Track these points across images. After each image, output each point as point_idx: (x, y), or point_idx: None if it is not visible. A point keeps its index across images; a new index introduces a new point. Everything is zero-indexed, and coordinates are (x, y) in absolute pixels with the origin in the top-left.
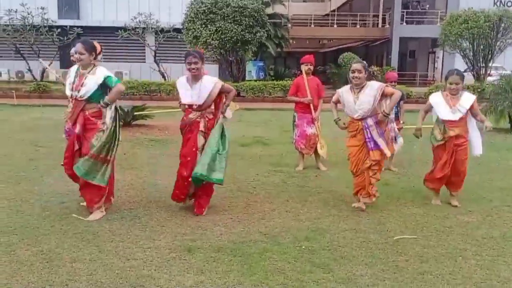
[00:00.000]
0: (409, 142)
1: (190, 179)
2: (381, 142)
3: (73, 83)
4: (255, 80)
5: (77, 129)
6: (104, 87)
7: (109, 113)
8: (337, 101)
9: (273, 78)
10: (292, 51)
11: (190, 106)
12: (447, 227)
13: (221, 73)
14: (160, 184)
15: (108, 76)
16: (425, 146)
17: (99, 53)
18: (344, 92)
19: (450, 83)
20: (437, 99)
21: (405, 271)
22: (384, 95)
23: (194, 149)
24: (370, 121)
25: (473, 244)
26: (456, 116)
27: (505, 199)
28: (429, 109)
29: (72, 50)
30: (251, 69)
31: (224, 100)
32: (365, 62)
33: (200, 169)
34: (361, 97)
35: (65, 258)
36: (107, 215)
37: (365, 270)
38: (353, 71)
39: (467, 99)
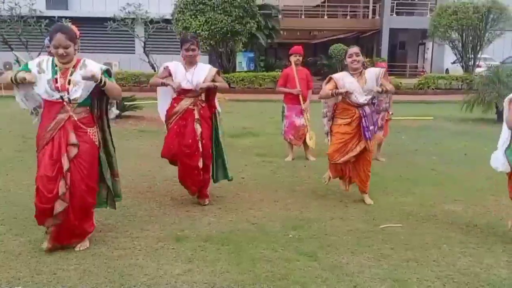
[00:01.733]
0: (397, 133)
1: (200, 170)
2: (372, 131)
3: (53, 82)
4: (246, 72)
5: (72, 138)
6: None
7: (113, 113)
8: (334, 88)
9: (264, 69)
10: (283, 42)
11: (184, 92)
12: (432, 215)
13: (211, 64)
14: (149, 174)
15: (106, 71)
16: (412, 136)
17: (79, 38)
18: (344, 77)
19: None
20: None
21: (390, 259)
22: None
23: (197, 138)
24: (368, 109)
25: (458, 232)
26: None
27: (490, 188)
28: None
29: (47, 42)
30: (242, 60)
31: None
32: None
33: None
34: (367, 80)
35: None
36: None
37: (351, 258)
38: (351, 55)
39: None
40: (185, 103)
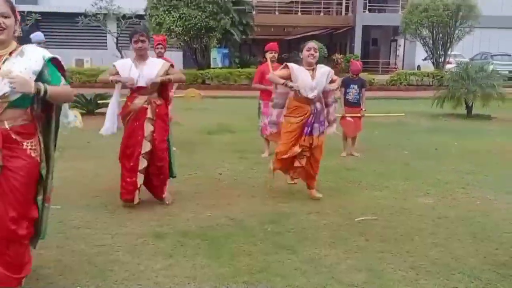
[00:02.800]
0: (370, 129)
1: (137, 172)
2: (316, 128)
3: None
4: (220, 68)
5: None
6: (40, 78)
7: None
8: (286, 76)
9: (239, 65)
10: (257, 39)
11: (137, 89)
12: (405, 208)
13: (185, 61)
14: None
15: (50, 59)
16: (385, 131)
17: (18, 21)
18: (298, 68)
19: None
20: None
21: (366, 251)
22: (332, 80)
23: (139, 138)
24: (318, 106)
25: (429, 224)
26: None
27: (460, 182)
28: None
29: (38, 37)
30: (216, 57)
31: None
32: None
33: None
34: (318, 75)
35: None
36: (74, 203)
37: (328, 250)
38: (310, 49)
39: None
40: (139, 101)
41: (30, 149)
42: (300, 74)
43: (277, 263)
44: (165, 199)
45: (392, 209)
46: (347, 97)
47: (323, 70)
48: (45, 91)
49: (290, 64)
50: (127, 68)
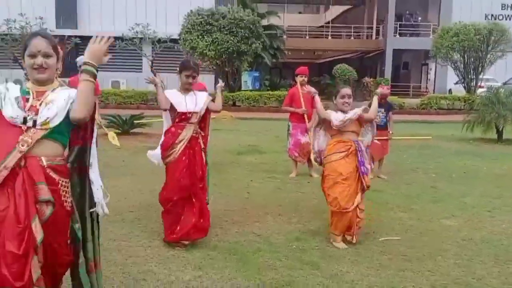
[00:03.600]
0: (399, 152)
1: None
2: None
3: (22, 100)
4: (251, 90)
5: (43, 192)
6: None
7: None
8: (323, 121)
9: (269, 88)
10: (287, 62)
11: (186, 118)
12: (430, 230)
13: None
14: (157, 189)
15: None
16: (413, 154)
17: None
18: (334, 113)
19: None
20: None
21: (388, 269)
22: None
23: (204, 167)
24: (361, 144)
25: (453, 246)
26: None
27: (486, 205)
28: None
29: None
30: (247, 79)
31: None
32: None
33: None
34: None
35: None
36: (111, 217)
37: (351, 267)
38: (343, 96)
39: None
40: (188, 131)
41: (63, 190)
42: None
43: (301, 278)
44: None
45: (416, 230)
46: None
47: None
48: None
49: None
50: (175, 96)
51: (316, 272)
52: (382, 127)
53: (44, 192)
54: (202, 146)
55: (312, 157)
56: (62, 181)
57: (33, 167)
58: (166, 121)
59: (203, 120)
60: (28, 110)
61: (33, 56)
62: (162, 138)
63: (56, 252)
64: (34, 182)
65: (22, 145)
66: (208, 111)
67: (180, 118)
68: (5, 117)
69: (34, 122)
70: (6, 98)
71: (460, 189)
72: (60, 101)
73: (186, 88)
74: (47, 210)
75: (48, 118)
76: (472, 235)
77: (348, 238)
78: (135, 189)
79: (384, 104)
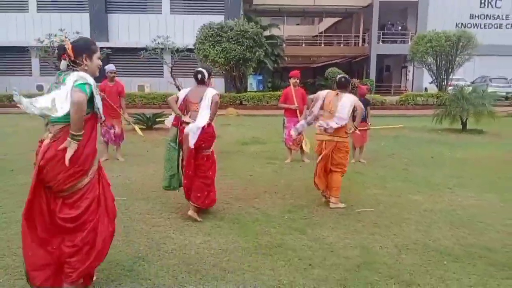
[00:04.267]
0: (378, 140)
1: None
2: None
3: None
4: (255, 92)
5: None
6: None
7: None
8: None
9: (271, 89)
10: (287, 67)
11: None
12: (398, 203)
13: (226, 86)
14: None
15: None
16: (390, 142)
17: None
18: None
19: None
20: None
21: (361, 233)
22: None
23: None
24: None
25: (416, 215)
26: None
27: (448, 183)
28: None
29: (110, 67)
30: (252, 82)
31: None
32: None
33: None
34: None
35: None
36: (136, 196)
37: (331, 232)
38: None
39: None
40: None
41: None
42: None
43: (290, 241)
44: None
45: (387, 203)
46: (354, 114)
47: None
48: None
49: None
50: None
51: (303, 236)
52: (362, 120)
53: None
54: None
55: (303, 145)
56: None
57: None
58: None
59: None
60: None
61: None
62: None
63: None
64: None
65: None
66: None
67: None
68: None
69: None
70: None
71: (427, 171)
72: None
73: None
74: None
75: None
76: (433, 207)
77: None
78: (157, 174)
79: (362, 100)
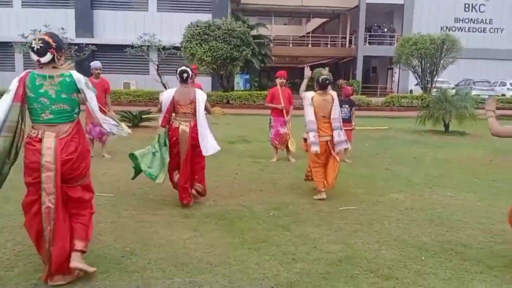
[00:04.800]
0: (362, 141)
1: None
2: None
3: None
4: (242, 90)
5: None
6: None
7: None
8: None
9: (258, 88)
10: (275, 66)
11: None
12: (380, 201)
13: (213, 84)
14: None
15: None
16: (374, 143)
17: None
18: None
19: None
20: None
21: (344, 230)
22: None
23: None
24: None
25: (397, 213)
26: None
27: (428, 183)
28: None
29: (96, 64)
30: (239, 81)
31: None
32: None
33: None
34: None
35: (93, 221)
36: (124, 192)
37: (315, 229)
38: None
39: None
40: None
41: None
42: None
43: (275, 237)
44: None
45: (369, 202)
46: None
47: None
48: None
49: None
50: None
51: (287, 232)
52: (347, 120)
53: None
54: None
55: (289, 144)
56: None
57: None
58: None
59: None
60: None
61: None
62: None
63: None
64: None
65: None
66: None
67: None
68: None
69: None
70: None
71: (408, 170)
72: None
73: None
74: None
75: None
76: (413, 205)
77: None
78: None
79: (347, 101)
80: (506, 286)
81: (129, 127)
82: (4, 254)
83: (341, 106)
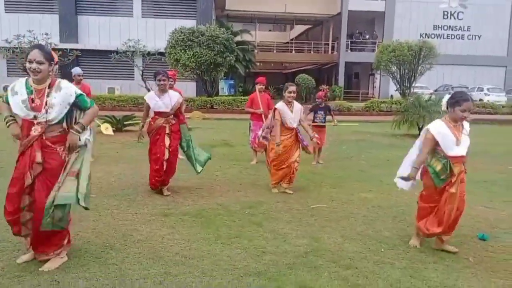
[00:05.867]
0: (339, 144)
1: (162, 172)
2: (307, 141)
3: (29, 101)
4: (226, 96)
5: (38, 157)
6: (73, 106)
7: (84, 136)
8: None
9: (242, 94)
10: (260, 72)
11: (159, 113)
12: (350, 200)
13: (198, 90)
14: (144, 173)
15: (80, 95)
16: (350, 146)
17: (56, 64)
18: (282, 107)
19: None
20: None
21: (313, 226)
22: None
23: (163, 148)
24: (299, 128)
25: (364, 210)
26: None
27: None
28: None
29: (77, 70)
30: (224, 86)
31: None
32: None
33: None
34: (294, 111)
35: (75, 219)
36: (105, 193)
37: (286, 225)
38: (291, 92)
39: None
40: (159, 122)
41: (62, 151)
42: (285, 112)
43: (248, 232)
44: (166, 190)
45: (340, 200)
46: (315, 120)
47: (298, 107)
48: (83, 128)
49: (278, 107)
50: (153, 98)
51: (260, 228)
52: (321, 126)
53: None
54: (167, 131)
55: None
56: (59, 147)
57: (37, 142)
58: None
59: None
60: (34, 109)
61: (30, 62)
62: None
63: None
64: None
65: (35, 131)
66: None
67: (155, 113)
68: (18, 115)
69: (45, 118)
70: (15, 101)
71: (380, 172)
72: (57, 107)
73: (161, 90)
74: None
75: (49, 119)
76: (381, 203)
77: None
78: (126, 174)
79: (323, 107)
80: (456, 274)
81: (113, 131)
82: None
83: (316, 112)
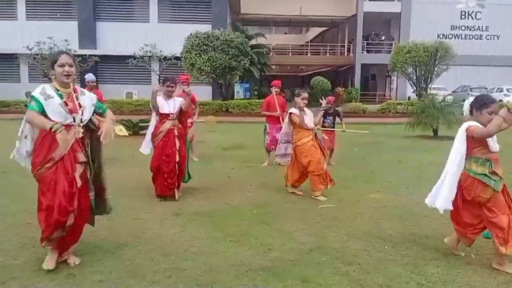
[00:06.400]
0: (352, 146)
1: (174, 174)
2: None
3: (65, 104)
4: (241, 99)
5: (81, 157)
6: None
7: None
8: (301, 119)
9: (257, 97)
10: (276, 75)
11: (167, 116)
12: (358, 200)
13: (213, 93)
14: None
15: (96, 99)
16: (363, 148)
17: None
18: (296, 111)
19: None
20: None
21: (320, 225)
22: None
23: (174, 149)
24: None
25: (371, 210)
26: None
27: (407, 184)
28: None
29: (90, 77)
30: (239, 90)
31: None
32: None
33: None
34: (308, 116)
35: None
36: (122, 194)
37: (293, 224)
38: (304, 98)
39: None
40: (168, 125)
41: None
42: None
43: (255, 231)
44: (178, 193)
45: (348, 201)
46: (324, 125)
47: (310, 113)
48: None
49: (293, 111)
50: (161, 101)
51: (267, 227)
52: (331, 131)
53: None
54: (177, 134)
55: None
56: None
57: (77, 143)
58: (154, 119)
59: (181, 116)
60: (71, 111)
61: (62, 66)
62: (151, 130)
63: None
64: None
65: (78, 134)
66: (182, 111)
67: (162, 116)
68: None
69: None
70: (53, 105)
71: (390, 173)
72: (88, 108)
73: (168, 95)
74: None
75: (84, 119)
76: (388, 203)
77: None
78: (141, 176)
79: (332, 113)
80: (456, 270)
81: (129, 135)
82: (11, 246)
83: (325, 118)
